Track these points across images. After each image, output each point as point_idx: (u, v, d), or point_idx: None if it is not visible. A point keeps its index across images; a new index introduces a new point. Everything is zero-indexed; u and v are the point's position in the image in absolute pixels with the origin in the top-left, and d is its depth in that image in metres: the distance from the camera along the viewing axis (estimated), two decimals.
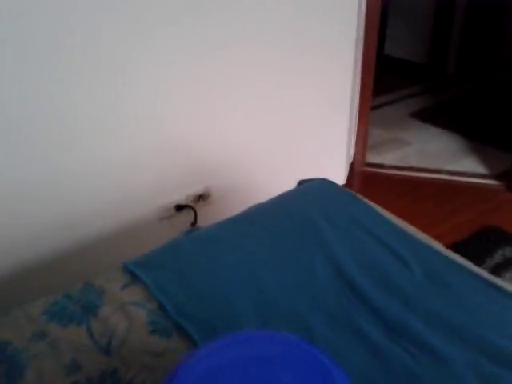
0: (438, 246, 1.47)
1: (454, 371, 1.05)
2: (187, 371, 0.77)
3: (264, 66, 2.06)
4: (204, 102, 1.94)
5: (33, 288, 1.67)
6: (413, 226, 1.55)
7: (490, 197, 2.72)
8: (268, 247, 1.41)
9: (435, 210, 2.58)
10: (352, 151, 2.78)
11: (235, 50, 1.93)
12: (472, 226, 2.42)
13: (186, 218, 2.11)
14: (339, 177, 2.68)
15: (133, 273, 1.31)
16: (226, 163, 2.14)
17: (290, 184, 1.78)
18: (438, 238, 1.54)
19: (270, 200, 1.64)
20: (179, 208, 2.07)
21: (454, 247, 1.93)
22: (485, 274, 1.35)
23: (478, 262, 2.00)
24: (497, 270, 2.06)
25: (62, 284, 1.33)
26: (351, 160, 2.81)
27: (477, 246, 2.26)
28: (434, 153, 3.22)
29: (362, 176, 2.89)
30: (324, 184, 1.72)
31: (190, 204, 2.09)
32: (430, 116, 3.73)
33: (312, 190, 1.70)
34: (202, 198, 2.12)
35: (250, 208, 1.60)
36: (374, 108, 3.23)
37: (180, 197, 2.06)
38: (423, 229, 1.55)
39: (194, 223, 2.13)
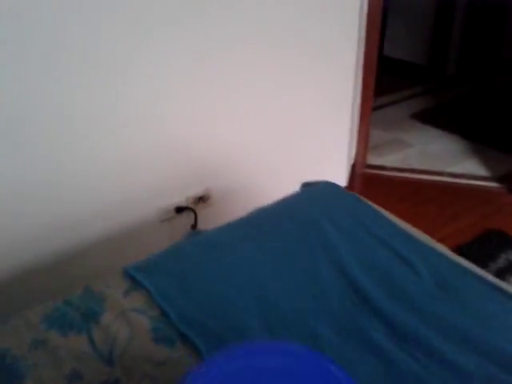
0: (442, 248, 1.46)
1: (464, 379, 1.04)
2: (195, 382, 0.75)
3: (264, 66, 2.04)
4: (204, 102, 1.93)
5: (33, 290, 1.66)
6: (416, 229, 1.54)
7: (491, 200, 2.71)
8: (271, 251, 1.39)
9: (438, 213, 2.57)
10: (353, 152, 2.77)
11: (235, 50, 1.92)
12: (475, 230, 2.41)
13: (186, 220, 2.09)
14: (341, 178, 2.67)
15: (134, 278, 1.28)
16: (226, 164, 2.12)
17: (290, 185, 1.76)
18: (441, 241, 1.53)
19: (274, 203, 1.62)
20: (179, 210, 2.05)
21: (458, 251, 1.92)
22: (490, 277, 1.34)
23: (482, 265, 1.98)
24: (501, 274, 2.05)
25: (62, 285, 1.32)
26: (352, 161, 2.79)
27: (480, 249, 2.25)
28: (435, 154, 3.21)
29: (364, 178, 2.87)
30: (328, 186, 1.71)
31: (190, 206, 2.07)
32: (431, 117, 3.72)
33: (316, 192, 1.68)
34: (202, 199, 2.10)
35: (252, 211, 1.58)
36: (374, 109, 3.21)
37: (180, 198, 2.04)
38: (426, 232, 1.54)
39: (194, 225, 2.11)
